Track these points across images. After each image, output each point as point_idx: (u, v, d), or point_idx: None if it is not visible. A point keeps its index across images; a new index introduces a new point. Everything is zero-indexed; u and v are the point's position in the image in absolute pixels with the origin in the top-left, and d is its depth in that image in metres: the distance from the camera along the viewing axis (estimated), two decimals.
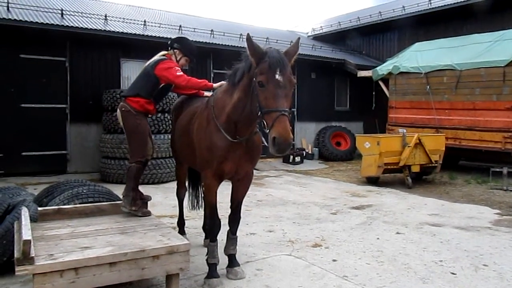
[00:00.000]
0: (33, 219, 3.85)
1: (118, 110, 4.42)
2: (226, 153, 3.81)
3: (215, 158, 3.83)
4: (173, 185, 5.66)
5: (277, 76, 3.25)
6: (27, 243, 2.79)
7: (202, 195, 5.15)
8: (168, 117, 9.88)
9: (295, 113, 15.04)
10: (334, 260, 4.68)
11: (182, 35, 4.90)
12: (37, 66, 10.44)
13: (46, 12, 11.31)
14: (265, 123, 3.25)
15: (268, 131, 3.21)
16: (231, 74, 3.82)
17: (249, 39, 3.34)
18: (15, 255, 2.88)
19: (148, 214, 4.31)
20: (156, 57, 4.45)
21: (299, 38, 3.59)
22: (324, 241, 5.38)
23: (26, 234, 2.93)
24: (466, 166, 12.62)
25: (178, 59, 4.53)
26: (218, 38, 13.84)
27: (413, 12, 15.92)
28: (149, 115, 4.59)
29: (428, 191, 9.13)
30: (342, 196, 8.49)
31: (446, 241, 5.45)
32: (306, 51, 15.57)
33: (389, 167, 9.32)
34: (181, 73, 4.25)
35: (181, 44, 4.58)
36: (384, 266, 4.53)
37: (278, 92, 3.23)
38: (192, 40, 4.87)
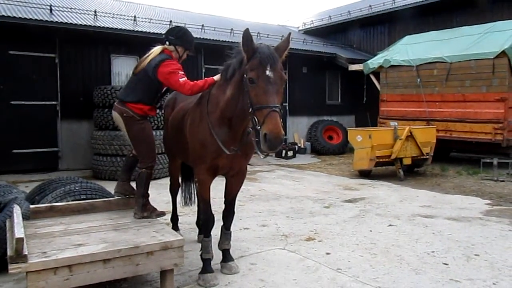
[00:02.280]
0: (26, 217, 3.82)
1: (116, 114, 4.16)
2: (219, 148, 3.80)
3: (208, 154, 3.81)
4: (166, 181, 5.65)
5: (267, 72, 3.23)
6: (19, 241, 2.78)
7: (196, 191, 5.14)
8: (160, 113, 9.83)
9: (287, 107, 15.06)
10: (327, 253, 4.71)
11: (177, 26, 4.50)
12: (27, 62, 10.35)
13: (35, 7, 11.18)
14: (256, 119, 3.23)
15: (259, 127, 3.19)
16: (224, 70, 3.79)
17: (247, 33, 3.29)
18: (8, 253, 2.87)
19: (162, 215, 4.21)
20: (156, 55, 4.08)
21: (290, 33, 3.57)
22: (317, 235, 5.41)
23: (19, 232, 2.91)
24: (457, 157, 12.73)
25: (181, 55, 4.25)
26: (209, 33, 13.78)
27: (403, 5, 15.95)
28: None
29: (420, 183, 9.20)
30: (335, 189, 8.53)
31: (438, 232, 5.50)
32: (297, 45, 15.55)
33: (381, 160, 9.38)
34: (184, 78, 3.96)
35: (182, 39, 4.23)
36: (377, 258, 4.57)
37: (269, 88, 3.22)
38: (183, 28, 4.48)
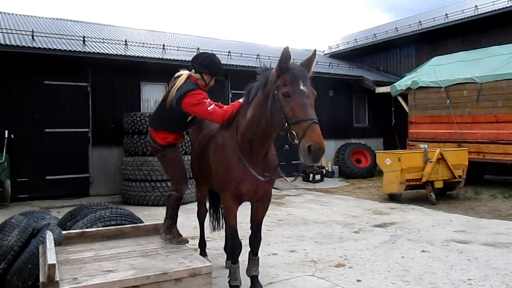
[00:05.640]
0: (57, 243, 3.88)
1: (148, 140, 4.33)
2: (243, 173, 3.78)
3: (232, 179, 3.80)
4: (194, 206, 5.67)
5: (301, 87, 3.25)
6: (52, 267, 2.81)
7: (223, 216, 5.12)
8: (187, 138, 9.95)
9: None
10: (358, 281, 4.59)
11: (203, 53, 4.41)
12: (61, 91, 10.75)
13: (69, 39, 11.67)
14: (294, 134, 3.17)
15: (297, 141, 3.13)
16: (245, 94, 3.83)
17: (287, 50, 3.31)
18: (40, 279, 2.91)
19: (184, 242, 4.06)
20: (181, 84, 3.95)
21: (315, 50, 3.55)
22: (347, 261, 5.29)
23: (51, 258, 2.95)
24: (491, 180, 12.32)
25: (207, 82, 4.11)
26: (235, 59, 14.01)
27: (429, 27, 15.87)
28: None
29: (452, 207, 8.92)
30: (364, 214, 8.36)
31: (474, 258, 5.29)
32: (323, 69, 15.62)
33: (411, 183, 9.17)
34: (212, 105, 3.85)
35: (209, 67, 4.09)
36: (411, 286, 4.42)
37: (305, 101, 3.21)
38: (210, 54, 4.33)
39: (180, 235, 4.12)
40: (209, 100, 3.90)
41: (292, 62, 3.40)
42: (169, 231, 4.09)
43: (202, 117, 4.00)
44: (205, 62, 4.09)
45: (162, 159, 4.26)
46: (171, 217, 4.17)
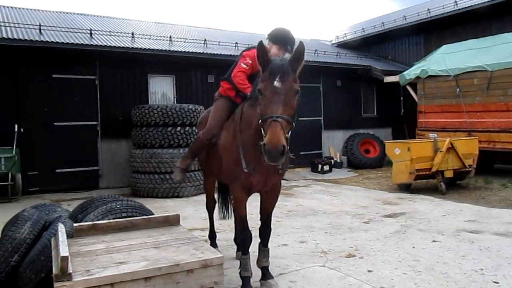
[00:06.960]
0: (69, 235, 3.91)
1: None
2: (253, 165, 3.76)
3: (243, 171, 3.78)
4: (203, 198, 5.68)
5: (275, 83, 3.16)
6: (65, 259, 2.83)
7: (232, 207, 5.12)
8: (182, 130, 9.92)
9: (322, 121, 14.95)
10: (369, 271, 4.58)
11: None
12: (69, 85, 10.78)
13: (76, 32, 11.68)
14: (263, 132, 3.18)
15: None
16: (254, 87, 3.76)
17: (261, 45, 3.25)
18: (54, 271, 2.93)
19: (176, 178, 4.60)
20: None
21: (301, 42, 3.39)
22: (358, 251, 5.27)
23: (64, 251, 2.97)
24: (502, 169, 12.21)
25: (270, 48, 4.12)
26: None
27: (438, 15, 15.66)
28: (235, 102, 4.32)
29: (463, 196, 8.86)
30: (373, 204, 8.34)
31: (486, 248, 5.25)
32: (331, 59, 15.50)
33: (421, 173, 9.10)
34: (241, 70, 4.10)
35: (271, 33, 4.23)
36: (422, 276, 4.40)
37: (274, 98, 3.14)
38: (283, 30, 4.25)
39: (184, 174, 4.59)
40: (246, 66, 4.10)
41: (275, 58, 3.35)
42: (182, 161, 4.57)
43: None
44: (273, 30, 4.24)
45: (213, 108, 4.46)
46: (190, 150, 4.67)
